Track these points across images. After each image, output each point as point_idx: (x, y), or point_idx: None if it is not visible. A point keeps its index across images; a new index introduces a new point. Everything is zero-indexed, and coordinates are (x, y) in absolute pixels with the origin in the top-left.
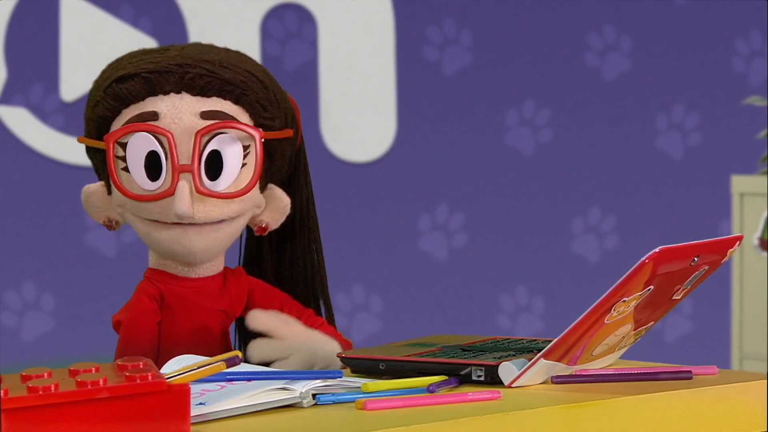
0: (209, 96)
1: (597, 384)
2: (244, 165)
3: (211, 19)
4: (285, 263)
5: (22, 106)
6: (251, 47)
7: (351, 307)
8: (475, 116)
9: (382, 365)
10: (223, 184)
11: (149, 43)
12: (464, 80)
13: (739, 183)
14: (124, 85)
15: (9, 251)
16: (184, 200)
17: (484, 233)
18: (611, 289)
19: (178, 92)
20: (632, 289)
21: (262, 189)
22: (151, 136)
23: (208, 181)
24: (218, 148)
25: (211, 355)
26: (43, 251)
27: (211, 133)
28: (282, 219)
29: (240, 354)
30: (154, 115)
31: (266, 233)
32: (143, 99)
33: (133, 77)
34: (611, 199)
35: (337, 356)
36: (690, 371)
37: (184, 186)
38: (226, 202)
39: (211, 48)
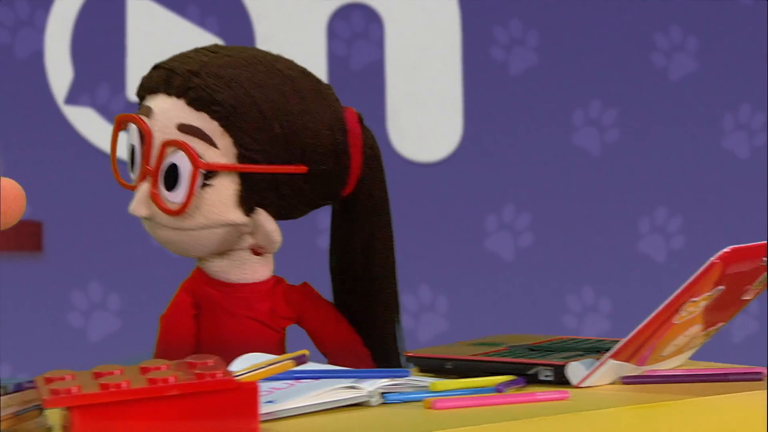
0: (199, 110)
1: (667, 385)
2: (208, 186)
3: (278, 20)
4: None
5: (88, 106)
6: (317, 47)
7: (417, 308)
8: (541, 116)
9: (449, 364)
10: (177, 197)
11: (215, 42)
12: (530, 80)
13: None
14: (148, 74)
15: (76, 251)
16: (138, 202)
17: (550, 233)
18: (680, 289)
19: (179, 97)
20: (701, 289)
21: (248, 212)
22: (137, 130)
23: (165, 191)
24: (177, 162)
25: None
26: (109, 252)
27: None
28: (271, 246)
29: (308, 353)
30: (149, 111)
31: (263, 255)
32: (155, 93)
33: (157, 69)
34: (678, 199)
35: (404, 355)
36: (761, 372)
37: (144, 187)
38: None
39: (242, 62)
